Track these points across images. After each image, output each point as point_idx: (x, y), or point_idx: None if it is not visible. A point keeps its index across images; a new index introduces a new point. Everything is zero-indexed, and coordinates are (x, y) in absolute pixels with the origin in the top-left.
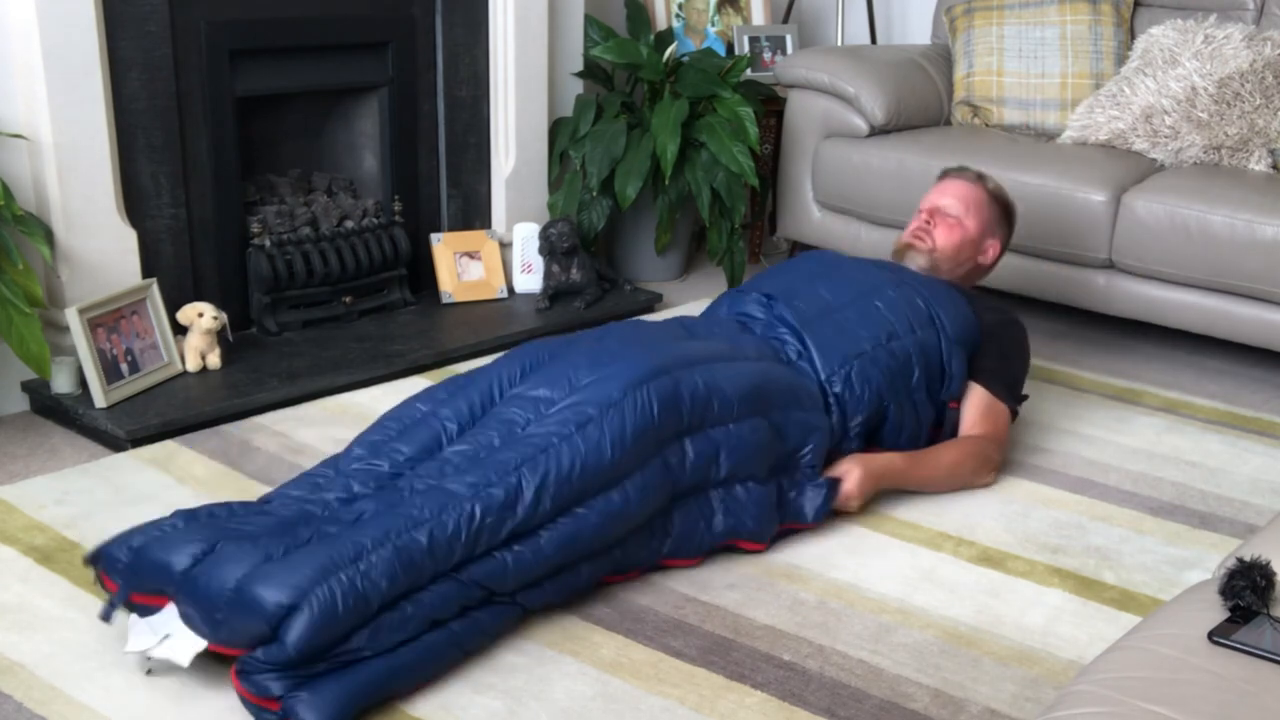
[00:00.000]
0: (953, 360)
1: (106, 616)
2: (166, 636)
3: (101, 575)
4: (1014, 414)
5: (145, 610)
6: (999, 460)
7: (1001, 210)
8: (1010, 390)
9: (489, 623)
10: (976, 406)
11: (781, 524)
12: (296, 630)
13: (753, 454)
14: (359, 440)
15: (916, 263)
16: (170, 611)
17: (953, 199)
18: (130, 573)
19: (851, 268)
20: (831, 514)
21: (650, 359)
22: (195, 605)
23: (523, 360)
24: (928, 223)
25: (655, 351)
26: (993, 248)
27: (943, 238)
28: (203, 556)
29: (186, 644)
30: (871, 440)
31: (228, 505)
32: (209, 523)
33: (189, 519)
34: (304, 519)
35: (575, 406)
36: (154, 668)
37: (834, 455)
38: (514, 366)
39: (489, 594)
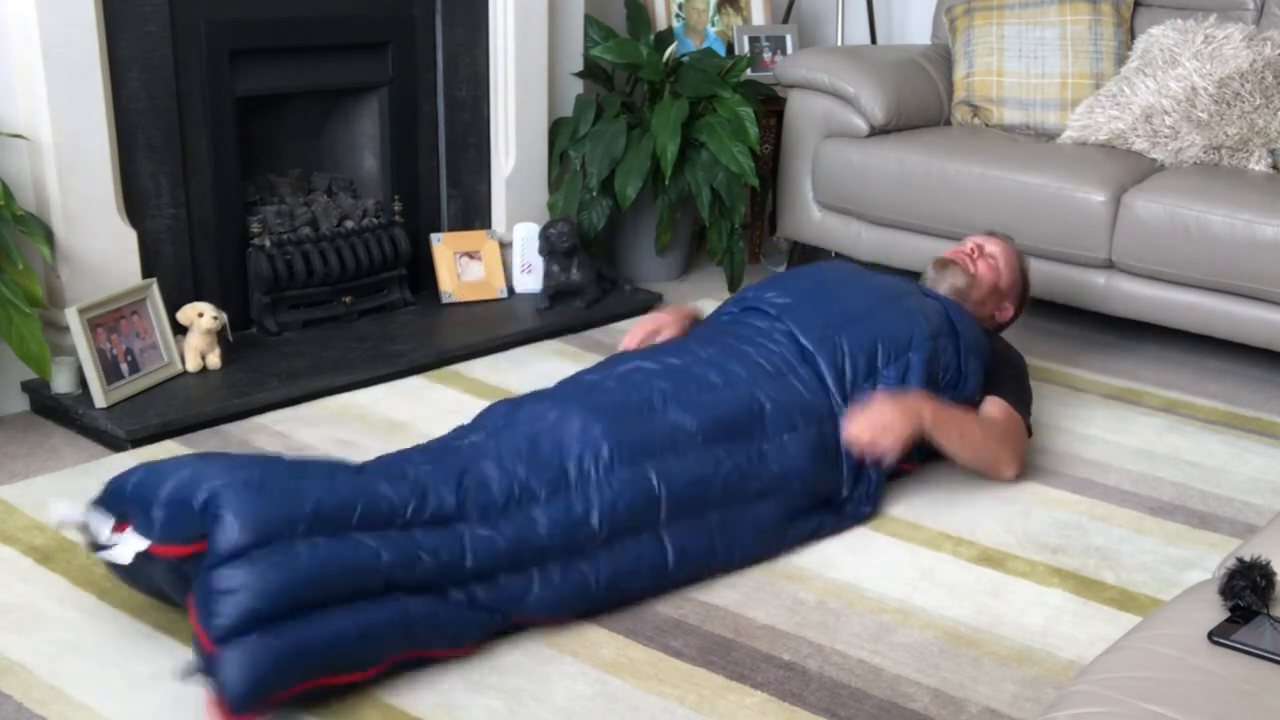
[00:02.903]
0: (969, 363)
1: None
2: (90, 515)
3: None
4: (1029, 431)
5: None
6: (1023, 454)
7: (1024, 282)
8: (1025, 408)
9: (446, 620)
10: (998, 406)
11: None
12: (225, 505)
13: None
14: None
15: (953, 281)
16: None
17: (996, 248)
18: (118, 502)
19: (869, 277)
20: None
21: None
22: (138, 506)
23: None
24: (971, 254)
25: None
26: (1010, 309)
27: (983, 270)
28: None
29: (130, 543)
30: None
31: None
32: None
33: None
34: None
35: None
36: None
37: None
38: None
39: (442, 573)
